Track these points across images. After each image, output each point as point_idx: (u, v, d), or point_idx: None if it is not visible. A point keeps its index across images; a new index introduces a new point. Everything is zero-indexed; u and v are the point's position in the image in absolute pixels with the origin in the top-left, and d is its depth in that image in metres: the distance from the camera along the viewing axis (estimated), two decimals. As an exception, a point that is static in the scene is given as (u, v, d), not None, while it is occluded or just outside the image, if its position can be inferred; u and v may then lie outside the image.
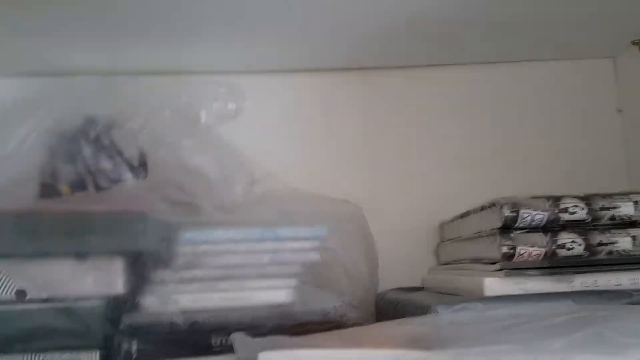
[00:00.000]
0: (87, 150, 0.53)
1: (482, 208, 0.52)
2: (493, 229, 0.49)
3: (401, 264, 0.65)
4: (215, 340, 0.45)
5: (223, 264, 0.46)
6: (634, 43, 0.64)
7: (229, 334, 0.45)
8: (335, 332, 0.40)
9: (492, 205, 0.49)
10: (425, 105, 0.68)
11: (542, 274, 0.45)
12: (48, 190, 0.52)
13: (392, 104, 0.67)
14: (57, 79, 0.57)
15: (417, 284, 0.64)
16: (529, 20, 0.58)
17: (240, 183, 0.56)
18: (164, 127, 0.54)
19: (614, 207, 0.47)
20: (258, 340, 0.39)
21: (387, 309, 0.55)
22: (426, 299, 0.46)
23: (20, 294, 0.45)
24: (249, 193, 0.56)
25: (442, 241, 0.64)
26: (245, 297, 0.46)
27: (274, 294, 0.46)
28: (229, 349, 0.46)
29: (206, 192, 0.53)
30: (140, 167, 0.54)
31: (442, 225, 0.64)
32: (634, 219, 0.47)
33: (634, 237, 0.47)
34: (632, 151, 0.67)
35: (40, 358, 0.44)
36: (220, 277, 0.47)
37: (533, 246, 0.46)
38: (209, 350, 0.45)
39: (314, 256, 0.47)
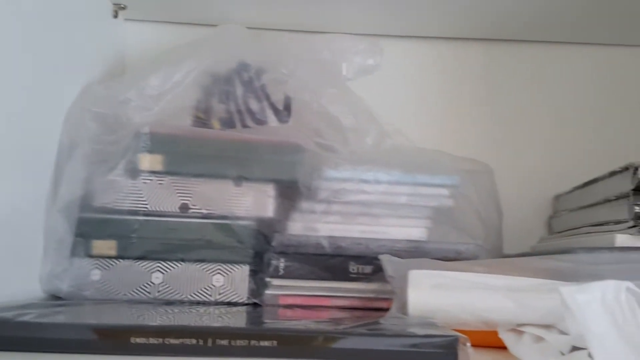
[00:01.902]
0: (239, 91, 0.58)
1: (612, 173, 0.53)
2: (623, 192, 0.50)
3: (511, 232, 0.67)
4: (353, 267, 0.49)
5: (363, 200, 0.50)
6: None
7: (367, 262, 0.49)
8: (479, 261, 0.43)
9: (625, 169, 0.51)
10: (550, 82, 0.70)
11: (678, 234, 0.47)
12: (200, 124, 0.58)
13: (517, 77, 0.70)
14: (211, 28, 0.62)
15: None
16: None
17: (371, 135, 0.59)
18: (309, 76, 0.58)
19: None
20: (407, 260, 0.42)
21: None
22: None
23: (184, 208, 0.50)
24: (378, 145, 0.59)
25: (556, 212, 0.66)
26: (383, 231, 0.50)
27: (410, 230, 0.49)
28: (364, 277, 0.50)
29: (340, 139, 0.58)
30: (285, 110, 0.59)
31: (558, 197, 0.66)
32: None
33: None
34: None
35: (197, 266, 0.49)
36: (359, 212, 0.50)
37: (667, 209, 0.48)
38: (347, 275, 0.49)
39: (448, 201, 0.50)
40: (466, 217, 0.49)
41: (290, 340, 0.33)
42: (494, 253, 0.49)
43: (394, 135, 0.61)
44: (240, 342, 0.33)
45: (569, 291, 0.29)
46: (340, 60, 0.59)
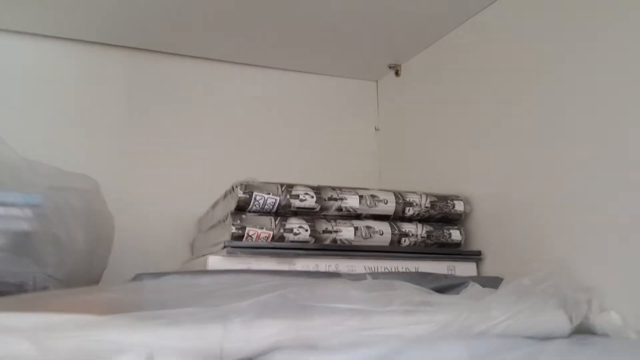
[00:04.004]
0: None
1: (226, 194, 0.51)
2: (229, 212, 0.48)
3: (160, 256, 0.62)
4: None
5: None
6: (391, 67, 0.70)
7: None
8: (24, 296, 0.36)
9: (231, 189, 0.49)
10: (197, 98, 0.67)
11: (264, 254, 0.46)
12: None
13: (162, 90, 0.65)
14: None
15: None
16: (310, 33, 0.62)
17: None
18: None
19: (341, 199, 0.50)
20: None
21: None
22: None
23: None
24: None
25: (198, 234, 0.63)
26: None
27: (-38, 260, 0.40)
28: None
29: None
30: None
31: (199, 220, 0.63)
32: (358, 211, 0.51)
33: (356, 228, 0.50)
34: (384, 165, 0.73)
35: None
36: None
37: (262, 228, 0.47)
38: None
39: (23, 224, 0.42)
40: (39, 242, 0.41)
41: None
42: (73, 283, 0.42)
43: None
44: None
45: None
46: None
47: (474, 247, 0.54)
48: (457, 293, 0.44)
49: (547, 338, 0.40)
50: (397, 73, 0.70)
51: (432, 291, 0.40)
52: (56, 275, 0.41)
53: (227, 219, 0.48)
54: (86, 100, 0.62)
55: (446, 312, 0.36)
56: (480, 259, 0.53)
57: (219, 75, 0.69)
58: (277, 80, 0.71)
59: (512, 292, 0.39)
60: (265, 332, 0.33)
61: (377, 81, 0.75)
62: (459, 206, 0.54)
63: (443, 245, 0.53)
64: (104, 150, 0.62)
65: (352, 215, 0.51)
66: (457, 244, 0.54)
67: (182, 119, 0.66)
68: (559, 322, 0.40)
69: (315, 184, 0.51)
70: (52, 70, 0.61)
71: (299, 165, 0.70)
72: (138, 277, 0.38)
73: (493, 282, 0.47)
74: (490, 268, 0.53)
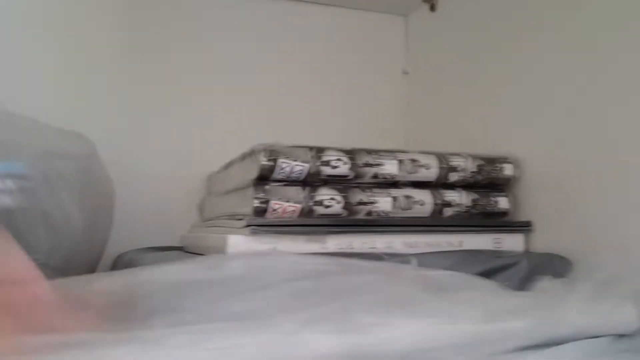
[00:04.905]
0: None
1: (243, 157, 0.44)
2: (249, 180, 0.42)
3: (166, 219, 0.56)
4: None
5: None
6: (425, 0, 0.61)
7: None
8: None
9: (251, 153, 0.42)
10: (204, 36, 0.59)
11: (293, 233, 0.40)
12: None
13: (168, 26, 0.57)
14: None
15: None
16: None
17: None
18: None
19: (378, 165, 0.43)
20: None
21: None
22: (154, 260, 0.38)
23: None
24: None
25: (208, 195, 0.56)
26: None
27: None
28: None
29: None
30: None
31: (210, 177, 0.56)
32: (396, 178, 0.44)
33: (394, 198, 0.44)
34: (412, 114, 0.65)
35: None
36: None
37: (288, 201, 0.41)
38: None
39: (5, 199, 0.35)
40: (26, 221, 0.35)
41: None
42: (71, 268, 0.36)
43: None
44: None
45: None
46: None
47: (522, 216, 0.48)
48: (513, 275, 0.39)
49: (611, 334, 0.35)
50: (432, 7, 0.61)
51: (503, 288, 0.34)
52: (50, 262, 0.35)
53: (247, 188, 0.42)
54: (76, 37, 0.53)
55: (528, 319, 0.30)
56: (529, 231, 0.47)
57: (228, 6, 0.60)
58: (292, 14, 0.62)
59: (588, 292, 0.33)
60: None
61: (406, 16, 0.66)
62: (508, 170, 0.48)
63: (489, 214, 0.47)
64: (100, 96, 0.54)
65: (389, 183, 0.44)
66: (504, 213, 0.48)
67: (188, 60, 0.58)
68: (629, 320, 0.35)
69: (345, 144, 0.44)
70: None
71: (317, 111, 0.63)
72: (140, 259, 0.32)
73: (548, 262, 0.42)
74: (540, 241, 0.47)
